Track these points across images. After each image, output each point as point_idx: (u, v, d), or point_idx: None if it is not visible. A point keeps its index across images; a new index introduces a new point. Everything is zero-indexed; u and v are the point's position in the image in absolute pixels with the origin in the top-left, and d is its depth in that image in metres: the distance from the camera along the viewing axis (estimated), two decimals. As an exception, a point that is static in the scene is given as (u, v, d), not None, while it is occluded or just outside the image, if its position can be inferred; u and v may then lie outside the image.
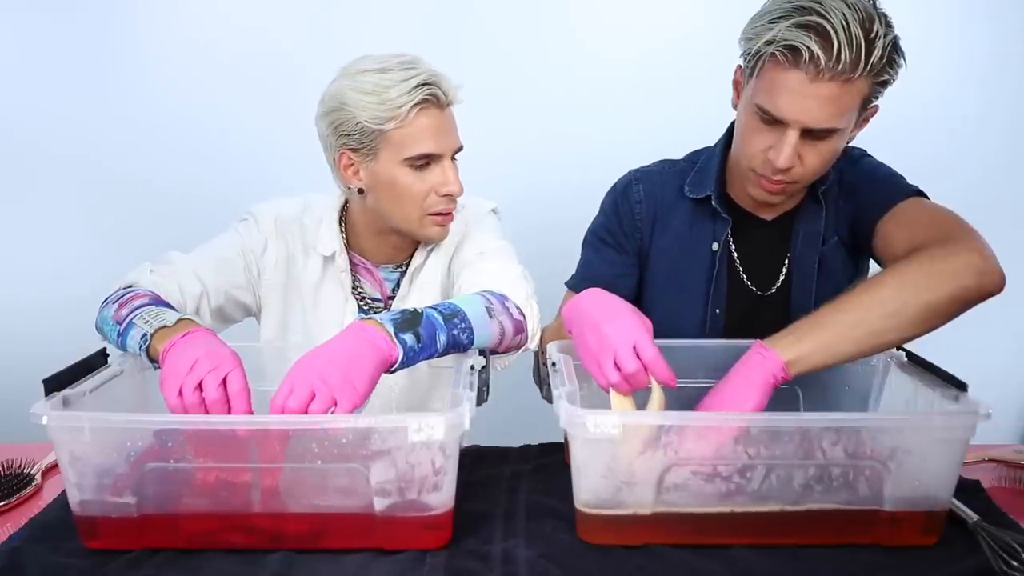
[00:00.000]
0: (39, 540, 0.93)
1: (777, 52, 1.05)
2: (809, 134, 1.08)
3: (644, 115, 2.03)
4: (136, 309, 1.03)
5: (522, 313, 1.11)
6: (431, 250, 1.30)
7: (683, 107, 1.85)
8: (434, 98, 1.14)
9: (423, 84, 1.12)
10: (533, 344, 1.14)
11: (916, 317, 0.97)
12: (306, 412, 0.86)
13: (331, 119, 1.15)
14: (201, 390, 0.89)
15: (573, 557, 0.89)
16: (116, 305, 1.06)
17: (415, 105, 1.12)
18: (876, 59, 1.03)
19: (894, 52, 1.05)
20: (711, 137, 1.33)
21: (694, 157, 1.34)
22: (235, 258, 1.25)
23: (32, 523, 0.98)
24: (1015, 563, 0.83)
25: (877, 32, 1.03)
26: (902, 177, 1.21)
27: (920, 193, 1.17)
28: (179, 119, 2.10)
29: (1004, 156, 2.12)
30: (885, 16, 1.06)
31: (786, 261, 1.27)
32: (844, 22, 1.01)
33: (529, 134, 2.07)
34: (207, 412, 0.89)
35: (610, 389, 0.96)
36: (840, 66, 1.02)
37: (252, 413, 0.91)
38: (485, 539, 0.93)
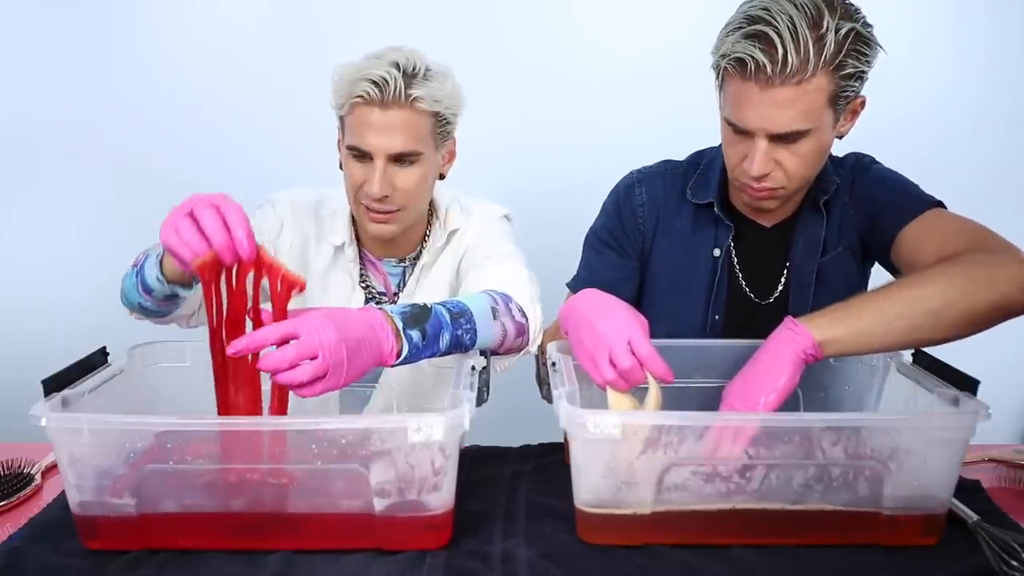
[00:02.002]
0: (39, 540, 0.93)
1: (729, 66, 1.06)
2: (780, 139, 1.08)
3: (649, 113, 2.03)
4: (150, 249, 1.05)
5: (524, 316, 1.11)
6: (440, 249, 1.31)
7: (688, 106, 1.84)
8: (367, 96, 1.13)
9: (366, 80, 1.12)
10: (534, 348, 1.14)
11: (957, 319, 0.96)
12: (290, 367, 0.82)
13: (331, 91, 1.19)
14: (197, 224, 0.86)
15: (573, 557, 0.89)
16: (132, 263, 1.08)
17: (353, 97, 1.14)
18: (830, 53, 1.02)
19: (856, 42, 1.04)
20: (716, 136, 1.32)
21: (696, 158, 1.33)
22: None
23: (32, 523, 0.98)
24: (1015, 563, 0.83)
25: (827, 26, 1.02)
26: (918, 186, 1.20)
27: (941, 204, 1.16)
28: (183, 118, 2.10)
29: (1002, 155, 2.12)
30: (843, 7, 1.04)
31: (785, 270, 1.26)
32: (790, 25, 1.01)
33: (532, 131, 2.07)
34: (205, 238, 0.85)
35: (607, 387, 0.96)
36: (788, 69, 1.02)
37: (252, 235, 0.87)
38: (485, 539, 0.93)
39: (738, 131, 1.10)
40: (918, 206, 1.15)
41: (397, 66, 1.14)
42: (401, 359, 0.92)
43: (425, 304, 0.97)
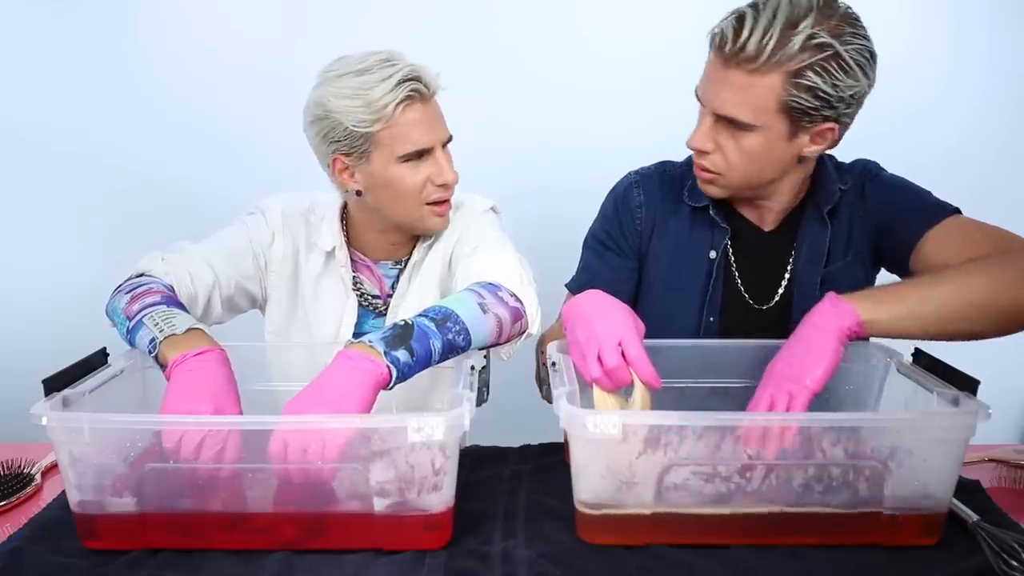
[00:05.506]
0: (39, 540, 0.93)
1: (708, 37, 1.09)
2: (726, 123, 1.10)
3: (649, 114, 2.01)
4: (146, 308, 1.02)
5: (518, 299, 1.08)
6: (430, 247, 1.30)
7: (689, 107, 1.85)
8: (417, 93, 1.14)
9: (405, 80, 1.12)
10: (535, 328, 1.12)
11: (1002, 314, 0.97)
12: (304, 455, 0.85)
13: (318, 128, 1.16)
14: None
15: (573, 557, 0.89)
16: (128, 297, 1.06)
17: (400, 103, 1.12)
18: (788, 52, 1.01)
19: (828, 60, 1.02)
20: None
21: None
22: (245, 249, 1.27)
23: (32, 523, 0.98)
24: (1015, 563, 0.83)
25: (801, 29, 1.01)
26: (931, 193, 1.19)
27: (958, 210, 1.16)
28: (179, 117, 2.10)
29: (1004, 156, 2.11)
30: (839, 26, 1.02)
31: (786, 276, 1.25)
32: (771, 15, 1.02)
33: (532, 131, 2.06)
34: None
35: (593, 385, 0.96)
36: (744, 53, 1.03)
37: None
38: (485, 539, 0.93)
39: (701, 104, 1.13)
40: (938, 212, 1.14)
41: (400, 57, 1.15)
42: (394, 380, 0.92)
43: (406, 321, 0.97)
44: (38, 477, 1.11)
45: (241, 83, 2.08)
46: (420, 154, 1.17)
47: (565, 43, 2.06)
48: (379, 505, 0.88)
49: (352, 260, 1.31)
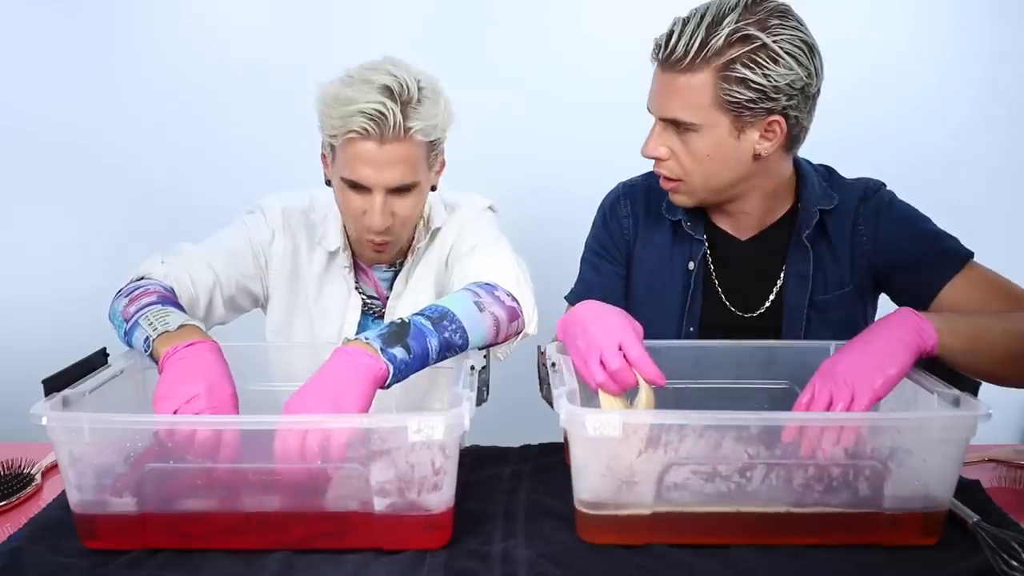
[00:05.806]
0: (39, 540, 0.93)
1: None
2: (673, 126, 1.12)
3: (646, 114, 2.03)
4: (143, 308, 1.02)
5: (515, 299, 1.09)
6: (425, 248, 1.31)
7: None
8: (365, 132, 1.09)
9: (362, 114, 1.08)
10: (531, 328, 1.12)
11: None
12: (303, 451, 0.85)
13: (317, 113, 1.16)
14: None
15: (573, 557, 0.89)
16: (127, 300, 1.06)
17: (348, 133, 1.10)
18: (714, 47, 1.03)
19: (756, 51, 1.03)
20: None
21: None
22: (244, 248, 1.27)
23: (32, 523, 0.98)
24: (1015, 563, 0.83)
25: (727, 24, 1.03)
26: (945, 233, 1.17)
27: (971, 252, 1.15)
28: (180, 117, 2.10)
29: (1002, 155, 2.11)
30: (766, 19, 1.04)
31: (774, 291, 1.24)
32: (700, 15, 1.05)
33: (533, 130, 2.07)
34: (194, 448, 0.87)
35: (599, 391, 0.96)
36: (675, 55, 1.06)
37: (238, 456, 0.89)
38: (485, 539, 0.93)
39: (652, 114, 1.15)
40: (956, 259, 1.13)
41: (391, 93, 1.09)
42: (391, 377, 0.92)
43: (403, 320, 0.97)
44: (38, 477, 1.11)
45: (243, 84, 2.08)
46: (359, 186, 1.15)
47: (567, 42, 2.06)
48: (379, 505, 0.88)
49: (354, 262, 1.31)
